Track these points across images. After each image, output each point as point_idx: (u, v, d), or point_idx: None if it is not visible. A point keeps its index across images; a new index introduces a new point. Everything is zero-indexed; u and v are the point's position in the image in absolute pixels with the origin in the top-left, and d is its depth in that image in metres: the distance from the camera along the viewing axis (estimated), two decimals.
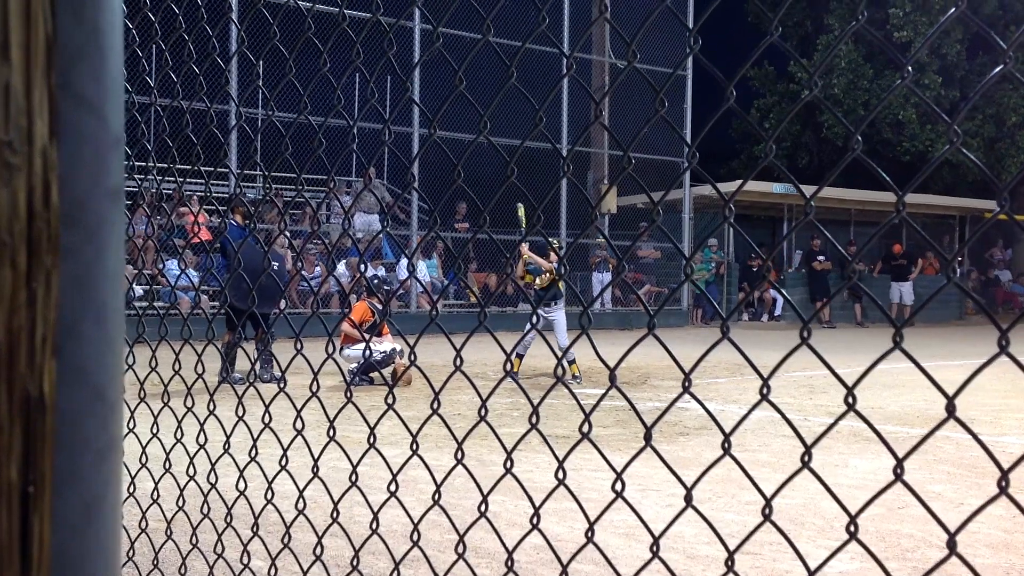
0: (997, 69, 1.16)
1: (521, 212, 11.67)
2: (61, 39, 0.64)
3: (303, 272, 17.39)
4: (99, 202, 0.68)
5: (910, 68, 1.23)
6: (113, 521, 0.69)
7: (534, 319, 2.05)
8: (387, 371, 10.94)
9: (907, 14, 29.29)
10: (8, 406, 0.58)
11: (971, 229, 28.44)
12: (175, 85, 2.58)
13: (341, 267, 18.42)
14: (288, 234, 16.71)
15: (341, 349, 10.84)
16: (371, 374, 11.00)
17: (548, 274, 11.30)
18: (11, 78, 0.57)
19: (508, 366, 1.79)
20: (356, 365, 10.53)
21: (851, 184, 24.05)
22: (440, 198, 2.12)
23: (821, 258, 24.46)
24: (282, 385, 2.31)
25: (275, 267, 11.01)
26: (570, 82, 21.09)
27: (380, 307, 11.22)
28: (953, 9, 1.19)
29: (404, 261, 19.53)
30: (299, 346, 2.23)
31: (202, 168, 2.51)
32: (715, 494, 5.43)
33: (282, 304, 14.74)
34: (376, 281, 12.21)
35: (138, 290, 14.84)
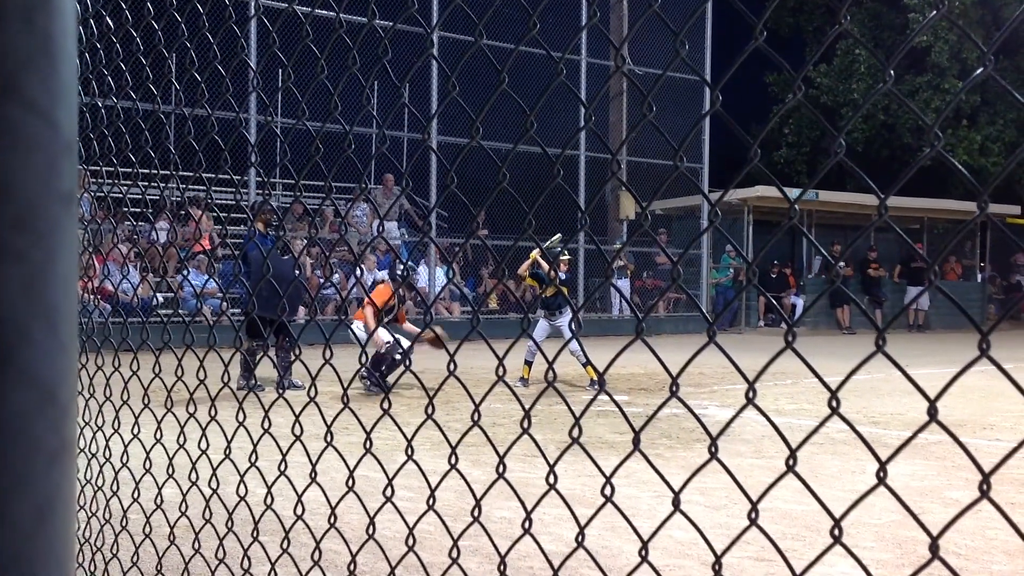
0: (977, 72, 1.16)
1: (555, 240, 11.57)
2: (8, 46, 0.65)
3: (322, 279, 17.22)
4: (50, 207, 0.68)
5: (892, 73, 1.23)
6: (66, 523, 0.70)
7: (533, 325, 2.05)
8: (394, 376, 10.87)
9: (926, 19, 29.12)
10: None
11: (992, 234, 28.21)
12: (200, 93, 2.59)
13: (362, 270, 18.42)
14: (305, 240, 16.76)
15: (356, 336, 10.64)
16: (386, 377, 10.86)
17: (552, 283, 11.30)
18: None
19: (500, 371, 1.79)
20: (370, 363, 10.39)
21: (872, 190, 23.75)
22: (465, 204, 2.11)
23: (840, 264, 24.17)
24: (280, 392, 2.31)
25: (295, 274, 10.96)
26: (589, 88, 21.11)
27: (402, 294, 11.18)
28: (934, 12, 1.18)
29: (423, 269, 19.56)
30: (298, 352, 2.24)
31: (204, 175, 2.53)
32: (731, 501, 5.40)
33: (301, 311, 14.77)
34: (403, 273, 12.17)
35: (160, 298, 14.92)
